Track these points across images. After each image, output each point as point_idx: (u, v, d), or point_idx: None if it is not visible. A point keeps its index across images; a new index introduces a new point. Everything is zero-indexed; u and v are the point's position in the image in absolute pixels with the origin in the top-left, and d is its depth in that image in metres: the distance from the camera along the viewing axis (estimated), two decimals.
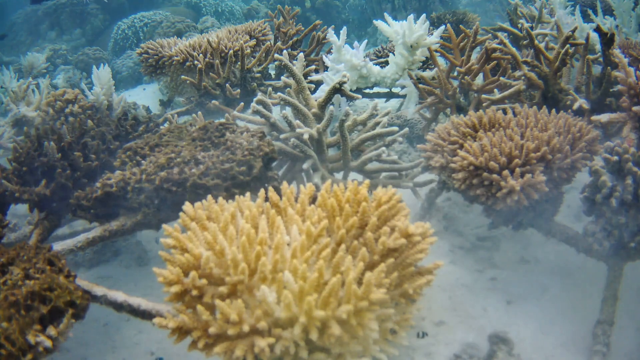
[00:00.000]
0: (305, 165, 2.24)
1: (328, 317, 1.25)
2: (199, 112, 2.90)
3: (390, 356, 1.42)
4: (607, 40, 2.36)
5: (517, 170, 1.96)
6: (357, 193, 1.55)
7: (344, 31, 3.05)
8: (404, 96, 3.16)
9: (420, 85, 2.79)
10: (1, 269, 1.57)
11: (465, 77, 2.72)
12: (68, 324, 1.48)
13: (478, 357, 1.88)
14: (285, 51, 2.87)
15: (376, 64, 3.20)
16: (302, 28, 3.84)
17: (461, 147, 2.16)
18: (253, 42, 3.62)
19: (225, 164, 1.94)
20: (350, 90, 2.95)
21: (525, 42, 3.08)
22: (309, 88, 2.51)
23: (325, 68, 3.26)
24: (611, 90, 2.33)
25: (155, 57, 3.57)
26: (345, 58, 3.01)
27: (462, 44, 2.95)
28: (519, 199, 1.92)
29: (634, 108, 2.04)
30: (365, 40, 3.33)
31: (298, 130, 2.25)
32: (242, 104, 2.87)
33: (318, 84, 3.26)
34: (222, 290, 1.32)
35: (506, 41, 2.66)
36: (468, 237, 2.55)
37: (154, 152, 2.13)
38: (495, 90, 2.70)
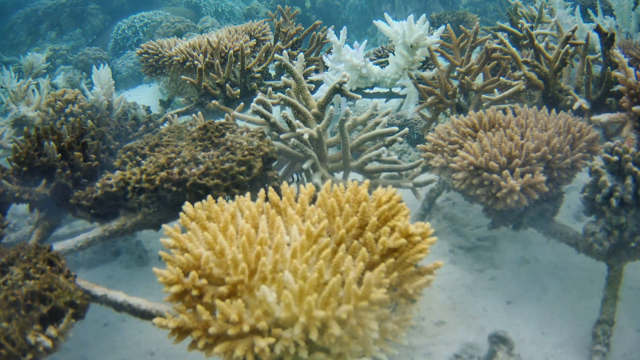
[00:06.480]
0: (305, 165, 2.24)
1: (328, 317, 1.25)
2: (199, 112, 2.90)
3: (390, 356, 1.42)
4: (607, 40, 2.36)
5: (517, 170, 1.96)
6: (357, 193, 1.55)
7: (344, 31, 3.05)
8: (404, 96, 3.15)
9: (420, 85, 2.79)
10: (1, 269, 1.57)
11: (465, 77, 2.72)
12: (68, 324, 1.48)
13: (478, 357, 1.88)
14: (285, 51, 2.87)
15: (376, 64, 3.20)
16: (302, 28, 3.83)
17: (461, 147, 2.16)
18: (253, 42, 3.61)
19: (225, 164, 1.94)
20: (350, 90, 2.95)
21: (525, 42, 3.07)
22: (309, 88, 2.51)
23: (325, 68, 3.26)
24: (611, 90, 2.32)
25: (155, 57, 3.57)
26: (345, 58, 3.01)
27: (462, 44, 2.95)
28: (519, 199, 1.92)
29: (634, 108, 2.04)
30: (365, 40, 3.33)
31: (298, 130, 2.25)
32: (242, 104, 2.87)
33: (318, 84, 3.26)
34: (222, 290, 1.32)
35: (506, 41, 2.66)
36: (468, 237, 2.55)
37: (154, 152, 2.13)
38: (495, 90, 2.70)
